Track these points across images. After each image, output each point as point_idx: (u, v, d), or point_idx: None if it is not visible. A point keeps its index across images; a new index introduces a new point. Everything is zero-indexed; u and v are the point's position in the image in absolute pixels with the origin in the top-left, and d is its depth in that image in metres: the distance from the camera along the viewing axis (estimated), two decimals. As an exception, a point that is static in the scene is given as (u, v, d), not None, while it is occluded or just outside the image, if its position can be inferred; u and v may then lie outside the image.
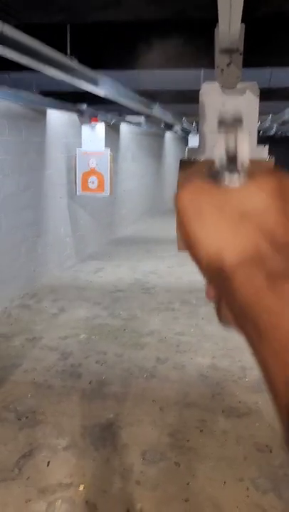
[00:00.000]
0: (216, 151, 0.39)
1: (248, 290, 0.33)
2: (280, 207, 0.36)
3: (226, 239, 0.35)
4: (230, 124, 0.40)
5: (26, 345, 4.37)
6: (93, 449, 2.85)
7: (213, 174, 0.39)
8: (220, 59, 2.17)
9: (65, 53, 2.79)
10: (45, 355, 4.15)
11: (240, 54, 2.15)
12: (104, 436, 2.98)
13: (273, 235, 0.35)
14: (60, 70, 2.71)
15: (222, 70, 2.21)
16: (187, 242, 0.38)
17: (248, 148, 0.39)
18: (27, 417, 3.18)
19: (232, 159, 0.38)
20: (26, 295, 5.72)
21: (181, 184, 0.36)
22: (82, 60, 3.08)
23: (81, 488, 2.52)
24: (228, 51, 2.15)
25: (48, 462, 2.72)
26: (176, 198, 0.38)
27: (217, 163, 0.39)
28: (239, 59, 2.18)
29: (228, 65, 2.18)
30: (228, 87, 2.34)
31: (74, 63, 2.81)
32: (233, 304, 0.34)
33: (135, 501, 2.42)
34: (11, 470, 2.66)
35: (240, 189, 0.38)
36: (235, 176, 0.38)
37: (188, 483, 2.56)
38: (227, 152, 0.38)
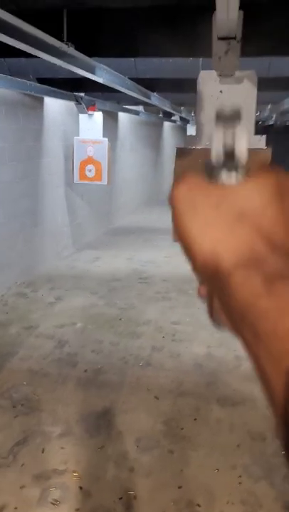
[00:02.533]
0: (214, 147, 0.38)
1: (244, 293, 0.32)
2: (278, 206, 0.35)
3: (222, 238, 0.34)
4: (229, 119, 0.39)
5: (22, 333, 4.38)
6: (88, 437, 2.87)
7: (209, 170, 0.38)
8: (217, 46, 2.14)
9: (62, 40, 2.76)
10: (41, 344, 4.16)
11: (238, 42, 2.13)
12: (99, 424, 3.00)
13: (271, 234, 0.34)
14: (57, 56, 2.68)
15: (219, 57, 2.18)
16: (181, 239, 0.36)
17: (246, 144, 0.38)
18: (22, 405, 3.19)
19: (229, 156, 0.37)
20: (23, 283, 5.72)
21: (176, 180, 0.35)
22: (80, 47, 3.04)
23: (75, 474, 2.54)
24: (226, 39, 2.12)
25: (43, 449, 2.74)
26: (171, 194, 0.37)
27: (214, 159, 0.38)
28: (237, 47, 2.15)
29: (226, 52, 2.16)
30: (225, 75, 2.31)
31: (70, 50, 2.78)
32: (229, 307, 0.33)
33: (129, 488, 2.45)
34: (5, 457, 2.68)
35: (237, 187, 0.37)
36: (233, 173, 0.37)
37: (181, 471, 2.58)
38: (225, 148, 0.37)
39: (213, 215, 0.35)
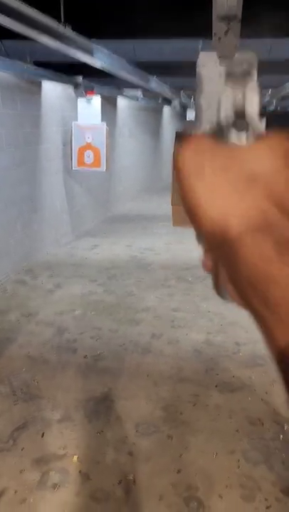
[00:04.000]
0: (222, 106, 0.36)
1: (255, 260, 0.31)
2: None
3: (231, 203, 0.33)
4: (239, 76, 0.36)
5: (22, 320, 4.37)
6: (87, 422, 2.88)
7: (218, 130, 0.35)
8: (217, 27, 2.10)
9: (59, 21, 2.71)
10: (40, 331, 4.16)
11: (239, 21, 2.08)
12: (99, 410, 3.00)
13: (282, 199, 0.32)
14: (53, 38, 2.63)
15: (219, 38, 2.15)
16: (186, 205, 0.34)
17: (257, 103, 0.36)
18: (22, 391, 3.20)
19: (240, 115, 0.35)
20: (22, 271, 5.70)
21: (182, 141, 0.33)
22: (77, 29, 2.99)
23: (75, 459, 2.55)
24: (226, 18, 2.08)
25: (43, 434, 2.75)
26: (177, 155, 0.35)
27: (223, 119, 0.35)
28: (237, 27, 2.11)
29: (226, 33, 2.12)
30: (225, 56, 2.28)
31: (67, 31, 2.73)
32: (237, 275, 0.32)
33: (128, 472, 2.46)
34: (5, 441, 2.68)
35: (247, 149, 0.34)
36: (243, 133, 0.35)
37: (180, 455, 2.59)
38: (234, 107, 0.35)
39: (221, 178, 0.33)
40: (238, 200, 0.33)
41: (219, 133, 0.35)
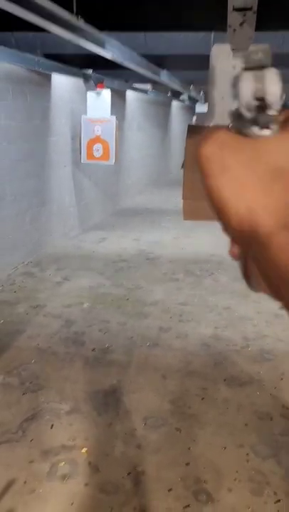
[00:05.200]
0: (242, 95, 0.34)
1: (287, 255, 0.31)
2: None
3: (258, 198, 0.32)
4: (258, 63, 0.35)
5: (30, 312, 4.39)
6: (96, 414, 2.89)
7: (238, 123, 0.34)
8: (232, 18, 2.08)
9: (72, 12, 2.69)
10: (48, 323, 4.17)
11: (254, 13, 2.06)
12: (107, 402, 3.01)
13: None
14: (66, 29, 2.62)
15: (234, 30, 2.12)
16: (212, 201, 0.34)
17: (280, 90, 0.34)
18: (30, 382, 3.22)
19: (261, 105, 0.34)
20: (30, 263, 5.72)
21: (204, 136, 0.32)
22: (89, 21, 2.97)
23: (84, 450, 2.56)
24: (242, 9, 2.06)
25: (52, 425, 2.77)
26: (199, 152, 0.34)
27: (243, 110, 0.34)
28: (253, 18, 2.09)
29: (241, 24, 2.10)
30: (240, 48, 2.25)
31: (80, 23, 2.71)
32: (269, 269, 0.32)
33: (137, 464, 2.47)
34: (14, 432, 2.70)
35: (271, 141, 0.33)
36: (266, 124, 0.34)
37: (188, 448, 2.60)
38: (255, 96, 0.33)
39: (247, 173, 0.33)
40: (265, 195, 0.32)
41: (240, 125, 0.34)
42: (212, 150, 0.34)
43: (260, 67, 0.34)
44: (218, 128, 0.34)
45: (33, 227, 5.84)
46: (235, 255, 0.38)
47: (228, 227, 0.34)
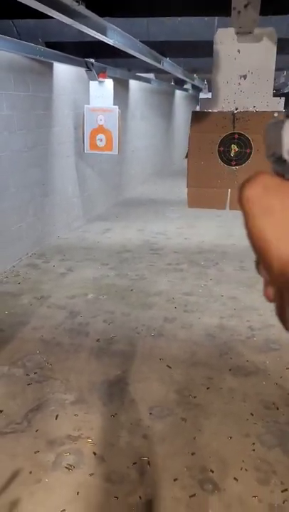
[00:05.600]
0: (285, 143, 0.34)
1: None
2: None
3: None
4: None
5: (34, 303, 4.38)
6: (101, 404, 2.88)
7: (281, 167, 0.34)
8: (237, 0, 2.03)
9: (72, -3, 2.64)
10: (53, 314, 4.17)
11: (259, -6, 2.01)
12: (112, 392, 3.01)
13: None
14: (67, 14, 2.57)
15: (239, 12, 2.08)
16: (254, 243, 0.34)
17: None
18: (35, 373, 3.21)
19: None
20: (34, 254, 5.71)
21: (247, 181, 0.35)
22: (91, 6, 2.92)
23: (89, 441, 2.55)
24: (246, -9, 2.01)
25: (57, 416, 2.76)
26: (242, 194, 0.34)
27: (286, 156, 0.34)
28: (258, 0, 2.04)
29: (246, 6, 2.05)
30: (244, 31, 2.20)
31: (81, 8, 2.66)
32: None
33: (142, 454, 2.46)
34: (19, 423, 2.70)
35: None
36: None
37: (194, 438, 2.59)
38: None
39: None
40: None
41: (282, 169, 0.35)
42: (255, 192, 0.34)
43: None
44: (261, 172, 0.34)
45: (37, 219, 5.82)
46: (270, 297, 0.38)
47: (268, 269, 0.34)
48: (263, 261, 0.34)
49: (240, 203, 0.34)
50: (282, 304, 0.36)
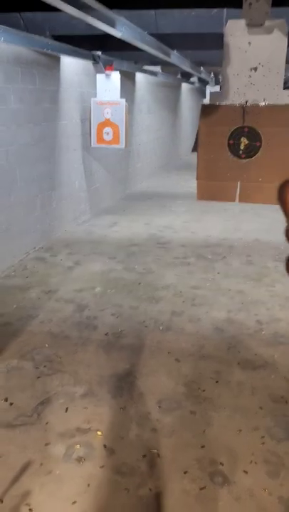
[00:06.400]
0: None
1: None
2: None
3: None
4: None
5: (42, 297, 4.40)
6: (110, 397, 2.89)
7: None
8: (248, -9, 2.01)
9: (81, -11, 2.62)
10: (61, 307, 4.18)
11: (272, -15, 1.99)
12: (121, 386, 3.02)
13: None
14: (75, 7, 2.56)
15: (250, 3, 2.06)
16: None
17: None
18: (44, 366, 3.23)
19: None
20: (41, 248, 5.72)
21: (285, 183, 0.37)
22: (99, -1, 2.90)
23: (99, 433, 2.57)
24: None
25: (66, 408, 2.78)
26: (283, 192, 0.37)
27: None
28: (269, -8, 2.02)
29: (257, -3, 2.03)
30: (256, 23, 2.18)
31: (90, 1, 2.64)
32: None
33: (152, 447, 2.47)
34: (29, 415, 2.72)
35: None
36: None
37: (203, 431, 2.60)
38: None
39: None
40: None
41: None
42: None
43: None
44: None
45: (44, 212, 5.83)
46: None
47: None
48: None
49: (281, 203, 0.37)
50: None
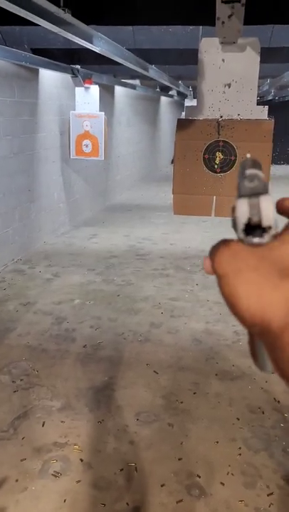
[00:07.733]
0: (239, 219, 0.39)
1: None
2: None
3: (268, 298, 0.36)
4: (252, 191, 0.39)
5: (20, 309, 4.36)
6: (88, 411, 2.88)
7: (240, 234, 0.39)
8: (221, 10, 2.07)
9: (59, 5, 2.65)
10: (39, 320, 4.15)
11: (243, 5, 2.05)
12: (99, 399, 3.00)
13: None
14: (53, 22, 2.59)
15: (223, 22, 2.11)
16: (227, 301, 0.39)
17: (273, 213, 0.39)
18: (21, 380, 3.19)
19: (257, 224, 0.38)
20: (20, 260, 5.68)
21: (216, 248, 0.41)
22: (76, 14, 2.94)
23: (76, 447, 2.55)
24: (230, 1, 2.05)
25: (43, 423, 2.75)
26: (214, 261, 0.39)
27: (239, 233, 0.39)
28: (241, 11, 2.08)
29: (230, 16, 2.08)
30: (228, 41, 2.24)
31: (67, 16, 2.68)
32: (280, 360, 0.37)
33: (129, 460, 2.46)
34: (5, 430, 2.68)
35: (272, 246, 0.38)
36: (262, 235, 0.38)
37: (181, 443, 2.60)
38: (251, 219, 0.38)
39: (256, 274, 0.37)
40: (274, 294, 0.36)
41: (242, 235, 0.39)
42: (226, 259, 0.39)
43: (256, 194, 0.38)
44: (229, 241, 0.40)
45: (23, 224, 5.80)
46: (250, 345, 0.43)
47: (241, 320, 0.39)
48: (236, 316, 0.39)
49: (214, 267, 0.39)
50: (253, 346, 0.42)
